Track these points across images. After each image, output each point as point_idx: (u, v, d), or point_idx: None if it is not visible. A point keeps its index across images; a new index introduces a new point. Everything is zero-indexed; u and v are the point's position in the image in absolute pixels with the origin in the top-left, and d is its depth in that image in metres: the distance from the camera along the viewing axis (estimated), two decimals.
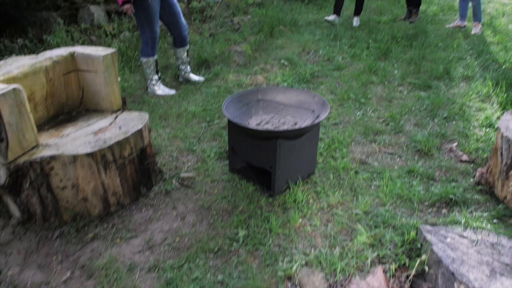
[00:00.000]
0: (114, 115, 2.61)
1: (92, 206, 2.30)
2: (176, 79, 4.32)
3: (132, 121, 2.48)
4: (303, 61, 4.66)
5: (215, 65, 4.52)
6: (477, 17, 5.67)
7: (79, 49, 2.70)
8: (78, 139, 2.30)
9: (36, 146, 2.20)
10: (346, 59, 4.74)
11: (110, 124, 2.48)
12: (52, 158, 2.11)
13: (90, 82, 2.68)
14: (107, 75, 2.59)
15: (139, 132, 2.39)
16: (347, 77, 4.23)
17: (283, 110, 2.65)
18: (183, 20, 3.96)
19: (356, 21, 6.20)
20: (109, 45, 4.86)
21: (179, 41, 4.02)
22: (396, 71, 4.39)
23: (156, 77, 3.97)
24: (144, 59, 3.87)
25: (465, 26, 5.88)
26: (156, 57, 3.92)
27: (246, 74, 4.34)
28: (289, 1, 7.55)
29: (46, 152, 2.13)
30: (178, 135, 3.20)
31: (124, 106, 2.77)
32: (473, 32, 5.66)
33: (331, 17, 6.04)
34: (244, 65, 4.58)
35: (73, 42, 5.10)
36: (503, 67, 4.48)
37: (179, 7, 3.92)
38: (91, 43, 5.18)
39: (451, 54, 4.87)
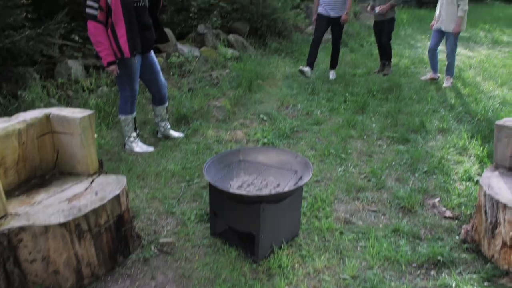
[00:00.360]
0: (90, 179, 2.51)
1: (64, 279, 2.14)
2: (154, 135, 4.26)
3: (109, 186, 2.38)
4: (282, 115, 4.69)
5: (194, 121, 4.50)
6: (450, 71, 5.89)
7: (54, 110, 2.63)
8: (50, 206, 2.17)
9: (4, 216, 2.07)
10: (324, 113, 4.80)
11: (86, 189, 2.37)
12: (22, 229, 1.98)
13: (65, 145, 2.59)
14: (83, 138, 2.51)
15: (117, 198, 2.28)
16: (326, 131, 4.26)
17: (265, 171, 2.60)
18: (162, 78, 3.95)
19: (332, 75, 6.34)
20: (86, 101, 4.80)
21: (158, 99, 4.00)
22: (374, 125, 4.46)
23: (134, 134, 3.90)
24: (122, 117, 3.81)
25: (438, 77, 6.05)
26: (134, 114, 3.87)
27: (225, 129, 4.32)
28: (266, 54, 7.73)
29: (15, 223, 2.00)
30: (157, 196, 3.09)
31: (101, 169, 2.67)
32: (445, 85, 5.85)
33: (306, 68, 6.13)
34: (223, 120, 4.57)
35: (49, 97, 5.03)
36: (476, 119, 4.61)
37: (158, 66, 3.93)
38: (68, 98, 5.11)
39: (425, 106, 5.00)
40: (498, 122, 2.58)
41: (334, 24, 6.08)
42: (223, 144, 4.01)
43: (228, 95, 5.21)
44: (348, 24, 11.02)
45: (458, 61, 7.63)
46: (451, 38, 5.66)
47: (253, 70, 6.21)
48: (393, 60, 7.67)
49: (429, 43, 6.16)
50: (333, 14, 5.96)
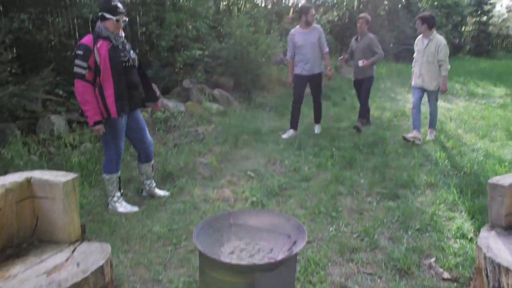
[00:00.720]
0: (71, 248, 2.35)
1: None
2: (139, 194, 4.13)
3: (92, 255, 2.23)
4: (270, 172, 4.63)
5: (180, 178, 4.40)
6: (433, 125, 5.94)
7: (36, 174, 2.51)
8: (27, 281, 2.01)
9: None
10: (312, 169, 4.77)
11: (67, 259, 2.21)
12: None
13: (46, 210, 2.46)
14: (66, 203, 2.38)
15: (100, 269, 2.13)
16: (315, 188, 4.20)
17: (257, 235, 2.49)
18: (148, 135, 3.90)
19: (317, 129, 6.39)
20: (68, 158, 4.67)
21: (144, 157, 3.92)
22: (362, 180, 4.43)
23: (118, 193, 3.77)
24: (106, 176, 3.70)
25: (420, 138, 5.85)
26: (119, 173, 3.76)
27: (212, 187, 4.22)
28: (250, 109, 7.80)
29: None
30: (142, 262, 2.93)
31: (84, 235, 2.53)
32: (428, 138, 5.91)
33: (287, 134, 6.06)
34: (210, 177, 4.48)
35: (30, 154, 4.88)
36: (462, 172, 4.63)
37: (144, 123, 3.88)
38: (49, 155, 4.97)
39: (411, 160, 5.02)
40: (491, 181, 2.56)
41: (312, 82, 6.08)
42: (211, 203, 3.90)
43: (214, 151, 5.16)
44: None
45: (438, 114, 7.83)
46: (433, 96, 5.73)
47: (239, 125, 6.22)
48: (376, 113, 7.84)
49: (409, 96, 6.32)
50: (310, 72, 5.94)
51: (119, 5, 3.44)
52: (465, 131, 6.45)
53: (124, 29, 3.61)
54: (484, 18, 24.40)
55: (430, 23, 5.50)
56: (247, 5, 13.72)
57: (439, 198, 3.98)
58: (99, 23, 3.44)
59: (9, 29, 6.45)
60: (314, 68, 5.94)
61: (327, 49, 6.02)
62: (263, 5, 13.98)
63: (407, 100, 9.40)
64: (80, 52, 3.31)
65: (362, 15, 6.44)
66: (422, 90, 5.77)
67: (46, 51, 7.80)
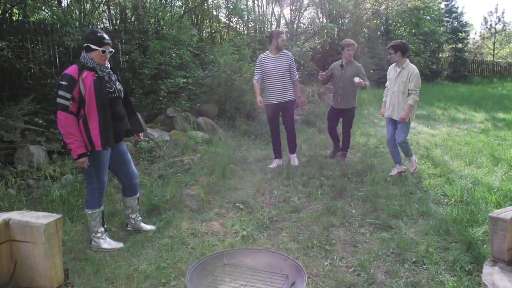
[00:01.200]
0: None
1: None
2: (124, 228, 3.95)
3: None
4: (259, 203, 4.50)
5: (167, 211, 4.24)
6: (408, 153, 5.53)
7: (15, 215, 2.33)
8: None
9: None
10: (302, 199, 4.67)
11: None
12: None
13: (26, 255, 2.28)
14: (48, 247, 2.21)
15: None
16: (306, 220, 4.09)
17: (253, 276, 2.36)
18: (133, 168, 3.76)
19: (293, 160, 6.00)
20: (48, 191, 4.46)
21: (129, 190, 3.76)
22: (354, 211, 4.34)
23: (102, 229, 3.58)
24: (89, 211, 3.52)
25: (405, 170, 5.50)
26: (102, 208, 3.59)
27: (200, 220, 4.07)
28: (236, 136, 7.71)
29: None
30: None
31: (66, 281, 2.34)
32: (411, 169, 5.53)
33: (274, 164, 5.85)
34: (197, 210, 4.33)
35: (7, 188, 4.65)
36: (453, 200, 4.59)
37: (129, 155, 3.74)
38: (28, 188, 4.76)
39: (401, 188, 4.98)
40: (492, 215, 2.50)
41: (284, 110, 5.80)
42: (199, 237, 3.74)
43: (201, 182, 5.02)
44: (314, 105, 11.44)
45: (423, 140, 7.89)
46: (404, 126, 5.36)
47: (225, 153, 6.11)
48: (362, 140, 7.85)
49: None
50: (280, 100, 5.70)
51: (105, 35, 3.36)
52: (451, 157, 6.47)
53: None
54: (460, 45, 25.27)
55: (403, 51, 5.22)
56: (230, 33, 13.85)
57: (432, 228, 3.91)
58: (84, 54, 3.33)
59: None
60: (285, 96, 5.71)
61: (296, 77, 5.84)
62: (245, 32, 14.13)
63: None
64: (64, 82, 3.19)
65: (351, 42, 6.03)
66: (394, 122, 5.41)
67: (25, 79, 7.64)
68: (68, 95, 3.17)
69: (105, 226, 3.62)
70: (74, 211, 4.09)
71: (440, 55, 25.88)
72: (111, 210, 4.21)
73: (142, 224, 3.90)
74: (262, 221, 4.00)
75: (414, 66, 5.26)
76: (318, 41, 13.97)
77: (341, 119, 6.42)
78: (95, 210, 3.52)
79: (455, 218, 4.02)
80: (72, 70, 3.25)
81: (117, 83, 3.53)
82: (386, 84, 5.64)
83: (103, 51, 3.33)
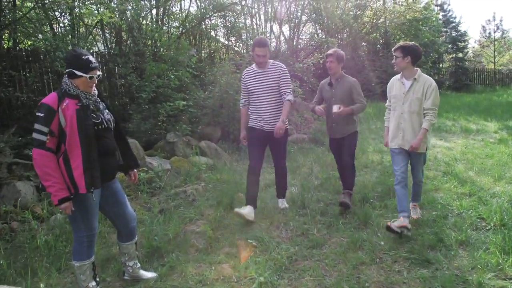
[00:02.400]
0: None
1: None
2: (120, 277, 3.40)
3: None
4: (274, 239, 3.95)
5: (170, 253, 3.70)
6: (416, 196, 4.42)
7: None
8: None
9: None
10: (322, 231, 4.12)
11: None
12: None
13: None
14: None
15: None
16: (331, 257, 3.55)
17: None
18: (129, 209, 3.22)
19: (281, 203, 4.79)
20: (33, 236, 3.93)
21: (125, 235, 3.23)
22: (382, 242, 3.80)
23: (93, 283, 3.03)
24: (77, 264, 2.97)
25: (410, 228, 3.89)
26: (93, 258, 3.04)
27: (209, 263, 3.52)
28: (241, 160, 7.20)
29: None
30: None
31: None
32: (413, 215, 4.27)
33: (245, 209, 4.30)
34: (205, 250, 3.79)
35: None
36: (492, 225, 4.05)
37: (124, 194, 3.21)
38: (11, 233, 4.21)
39: (431, 212, 4.44)
40: None
41: (272, 139, 4.43)
42: (209, 285, 3.19)
43: (208, 216, 4.49)
44: (320, 122, 10.95)
45: (440, 154, 7.38)
46: (419, 159, 4.15)
47: (231, 180, 5.60)
48: (376, 157, 7.33)
49: None
50: (267, 127, 4.43)
51: (91, 58, 2.84)
52: (476, 173, 5.95)
53: (101, 82, 3.04)
54: (460, 54, 25.02)
55: (414, 57, 3.92)
56: (230, 53, 13.50)
57: (478, 261, 3.36)
58: (66, 79, 2.84)
59: None
60: (274, 122, 4.40)
61: (289, 96, 4.35)
62: (245, 51, 13.78)
63: None
64: (40, 114, 2.69)
65: (330, 51, 4.66)
66: (406, 153, 4.09)
67: (15, 109, 7.19)
68: (45, 129, 2.67)
69: (97, 280, 3.07)
70: (62, 259, 3.54)
71: (441, 65, 25.62)
72: (105, 256, 3.68)
73: (142, 272, 3.35)
74: (280, 262, 3.45)
75: (430, 78, 3.96)
76: (320, 56, 13.55)
77: None
78: (84, 262, 2.96)
79: (503, 248, 3.48)
80: (50, 99, 2.74)
81: (106, 112, 3.02)
82: (386, 104, 4.33)
83: (90, 78, 2.84)
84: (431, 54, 23.04)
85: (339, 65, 4.67)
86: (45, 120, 2.67)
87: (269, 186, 5.68)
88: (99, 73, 2.90)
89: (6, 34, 7.77)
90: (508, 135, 9.08)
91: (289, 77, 4.46)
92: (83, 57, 2.80)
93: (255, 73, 4.47)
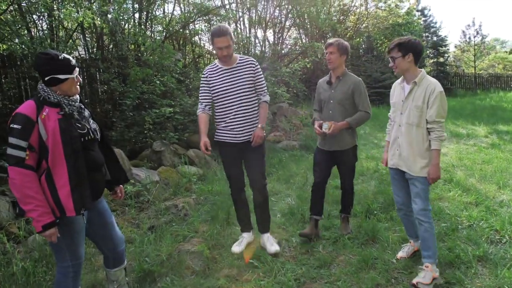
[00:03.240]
0: None
1: None
2: None
3: None
4: (277, 258, 3.60)
5: (163, 277, 3.33)
6: (430, 252, 3.14)
7: None
8: None
9: None
10: (327, 247, 3.81)
11: None
12: None
13: None
14: None
15: None
16: (342, 278, 3.24)
17: None
18: (117, 230, 2.85)
19: (270, 243, 3.75)
20: (8, 262, 3.50)
21: (113, 260, 2.85)
22: (395, 260, 3.51)
23: None
24: None
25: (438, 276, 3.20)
26: None
27: None
28: None
29: None
30: None
31: None
32: (423, 280, 3.06)
33: (239, 245, 3.78)
34: (202, 272, 3.43)
35: None
36: (507, 237, 3.82)
37: (111, 214, 2.83)
38: None
39: (440, 224, 4.19)
40: None
41: (248, 154, 3.69)
42: None
43: (203, 232, 4.13)
44: (309, 127, 10.68)
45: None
46: (420, 187, 3.13)
47: (223, 191, 5.25)
48: (371, 164, 7.10)
49: None
50: (240, 138, 3.63)
51: (67, 56, 2.45)
52: (478, 180, 5.75)
53: (82, 88, 2.66)
54: (441, 59, 25.27)
55: (416, 54, 3.10)
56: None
57: (503, 280, 3.10)
58: (41, 86, 2.42)
59: None
60: (248, 131, 3.64)
61: (266, 97, 3.75)
62: None
63: None
64: (16, 126, 2.28)
65: (330, 40, 3.83)
66: (403, 176, 3.28)
67: None
68: (23, 143, 2.26)
69: None
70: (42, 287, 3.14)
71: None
72: (90, 282, 3.29)
73: None
74: (288, 286, 3.13)
75: (435, 81, 3.09)
76: (308, 60, 13.35)
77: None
78: None
79: None
80: (27, 107, 2.33)
81: (91, 120, 2.64)
82: (389, 114, 3.48)
83: (77, 76, 2.47)
84: None
85: (342, 58, 3.80)
86: (23, 133, 2.27)
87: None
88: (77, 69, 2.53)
89: None
90: (499, 140, 9.00)
91: (262, 73, 3.76)
92: (60, 57, 2.39)
93: (221, 71, 3.61)
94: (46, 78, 2.39)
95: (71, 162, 2.35)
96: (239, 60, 3.65)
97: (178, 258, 3.59)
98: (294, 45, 18.27)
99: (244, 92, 3.60)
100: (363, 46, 22.02)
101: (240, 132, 3.62)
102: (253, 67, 3.65)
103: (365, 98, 3.84)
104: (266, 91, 3.77)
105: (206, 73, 3.67)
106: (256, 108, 3.71)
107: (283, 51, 17.28)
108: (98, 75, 8.15)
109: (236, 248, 3.73)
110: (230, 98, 3.59)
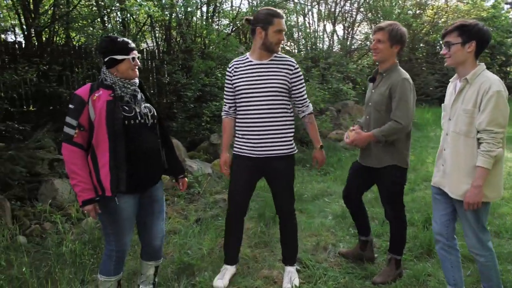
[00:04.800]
0: None
1: None
2: None
3: None
4: (321, 263, 3.43)
5: (202, 272, 3.29)
6: (490, 281, 2.62)
7: None
8: None
9: None
10: (378, 258, 3.56)
11: None
12: None
13: None
14: None
15: None
16: None
17: None
18: (160, 225, 2.80)
19: (293, 276, 3.13)
20: (61, 241, 3.66)
21: (146, 253, 2.84)
22: None
23: None
24: (102, 278, 2.63)
25: None
26: (120, 276, 2.70)
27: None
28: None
29: None
30: None
31: None
32: None
33: (224, 280, 3.13)
34: (241, 271, 3.34)
35: (20, 233, 3.93)
36: None
37: (163, 206, 2.83)
38: (42, 234, 3.99)
39: (504, 243, 3.76)
40: None
41: (272, 173, 3.07)
42: None
43: (247, 229, 4.04)
44: None
45: None
46: (470, 215, 2.49)
47: None
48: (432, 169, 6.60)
49: None
50: (261, 152, 2.96)
51: (127, 40, 2.53)
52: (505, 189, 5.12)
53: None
54: None
55: (481, 43, 2.43)
56: (281, 52, 13.05)
57: None
58: (103, 69, 2.53)
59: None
60: (273, 145, 2.95)
61: (309, 108, 3.09)
62: (296, 51, 13.28)
63: None
64: (71, 106, 2.43)
65: (381, 24, 3.01)
66: (449, 198, 2.60)
67: (66, 104, 7.17)
68: (74, 122, 2.39)
69: None
70: (87, 270, 3.24)
71: (508, 68, 23.75)
72: (132, 269, 3.33)
73: None
74: None
75: (494, 77, 2.42)
76: None
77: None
78: (110, 278, 2.64)
79: None
80: (83, 89, 2.46)
81: (144, 105, 2.62)
82: (442, 116, 2.73)
83: (133, 58, 2.52)
84: (498, 57, 21.41)
85: (393, 49, 2.96)
86: (75, 113, 2.40)
87: (317, 198, 5.17)
88: (138, 54, 2.58)
89: (60, 29, 7.79)
90: None
91: (303, 81, 3.05)
92: (118, 39, 2.51)
93: (250, 65, 2.96)
94: (106, 59, 2.50)
95: (112, 143, 2.40)
96: (275, 56, 2.96)
97: (219, 254, 3.54)
98: (365, 40, 17.62)
99: (273, 93, 2.89)
100: (440, 42, 20.71)
101: (262, 145, 2.93)
102: (292, 69, 2.95)
103: (401, 103, 2.89)
104: (308, 101, 3.07)
105: (232, 66, 3.04)
106: (285, 119, 2.96)
107: (352, 47, 16.74)
108: (164, 67, 8.38)
109: (219, 282, 3.09)
110: (254, 98, 2.91)
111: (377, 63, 3.12)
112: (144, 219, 2.75)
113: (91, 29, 8.06)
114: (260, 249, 3.73)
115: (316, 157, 3.16)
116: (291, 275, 3.15)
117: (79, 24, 7.93)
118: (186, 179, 2.96)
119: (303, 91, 3.03)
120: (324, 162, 3.22)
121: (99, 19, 8.12)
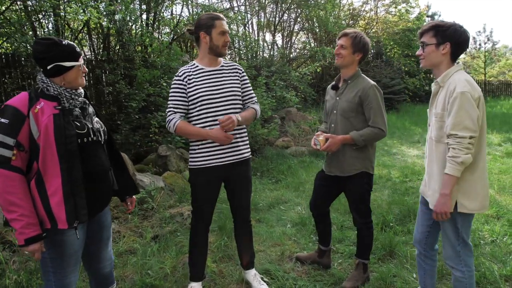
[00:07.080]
0: None
1: None
2: None
3: None
4: (289, 273, 3.38)
5: None
6: None
7: None
8: None
9: None
10: (343, 263, 3.57)
11: None
12: None
13: None
14: None
15: None
16: None
17: None
18: (109, 250, 2.49)
19: (258, 282, 3.13)
20: (2, 272, 3.29)
21: (97, 282, 2.50)
22: (415, 275, 3.27)
23: None
24: None
25: None
26: None
27: None
28: None
29: None
30: None
31: None
32: None
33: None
34: (208, 287, 3.22)
35: None
36: None
37: (110, 231, 2.49)
38: None
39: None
40: None
41: (235, 179, 2.97)
42: None
43: (209, 243, 3.90)
44: None
45: None
46: (447, 224, 2.40)
47: None
48: (383, 172, 6.86)
49: (403, 148, 4.80)
50: (226, 159, 2.85)
51: (70, 42, 2.12)
52: (497, 191, 5.50)
53: (87, 89, 2.36)
54: None
55: (457, 45, 2.33)
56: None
57: None
58: (41, 77, 2.10)
59: None
60: (236, 150, 2.88)
61: (256, 106, 3.03)
62: (237, 60, 13.29)
63: (405, 154, 8.55)
64: (4, 120, 1.95)
65: (348, 30, 3.00)
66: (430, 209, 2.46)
67: None
68: (9, 141, 1.93)
69: None
70: None
71: (432, 76, 25.47)
72: None
73: None
74: None
75: (462, 78, 2.26)
76: (318, 64, 13.13)
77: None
78: None
79: None
80: (17, 100, 2.00)
81: (95, 118, 2.31)
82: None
83: (82, 66, 2.17)
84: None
85: (355, 56, 2.94)
86: (10, 129, 1.93)
87: (273, 206, 5.13)
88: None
89: None
90: None
91: (249, 81, 3.08)
92: (64, 42, 2.07)
93: (203, 72, 2.83)
94: (49, 67, 2.06)
95: (65, 165, 2.01)
96: (224, 63, 2.95)
97: (182, 272, 3.37)
98: (303, 49, 18.07)
99: (233, 98, 2.85)
100: (372, 51, 21.76)
101: (225, 150, 2.82)
102: (240, 72, 2.97)
103: (378, 110, 2.87)
104: (256, 100, 3.03)
105: (183, 75, 2.82)
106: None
107: (291, 55, 17.09)
108: (104, 77, 7.99)
109: None
110: (216, 105, 2.79)
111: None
112: (90, 247, 2.37)
113: (19, 35, 7.49)
114: (225, 263, 3.60)
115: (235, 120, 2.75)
116: (257, 277, 3.17)
117: (6, 30, 7.35)
118: (134, 197, 2.63)
119: (251, 91, 3.03)
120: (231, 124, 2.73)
121: (29, 25, 7.57)
